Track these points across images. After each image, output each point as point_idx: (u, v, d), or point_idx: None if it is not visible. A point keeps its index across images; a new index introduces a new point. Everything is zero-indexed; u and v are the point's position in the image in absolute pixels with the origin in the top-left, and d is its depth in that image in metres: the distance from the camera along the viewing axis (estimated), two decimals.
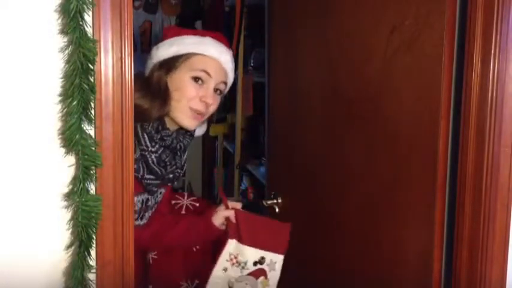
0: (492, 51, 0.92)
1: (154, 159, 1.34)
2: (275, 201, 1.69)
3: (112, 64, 0.94)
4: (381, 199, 1.21)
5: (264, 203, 1.72)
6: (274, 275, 1.42)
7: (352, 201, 1.32)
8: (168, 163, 1.38)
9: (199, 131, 1.53)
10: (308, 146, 1.53)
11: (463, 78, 0.97)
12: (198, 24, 3.92)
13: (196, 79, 1.36)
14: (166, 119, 1.39)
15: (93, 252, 0.96)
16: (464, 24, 0.96)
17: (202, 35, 1.43)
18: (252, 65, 2.67)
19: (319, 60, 1.45)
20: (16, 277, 0.94)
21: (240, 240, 1.37)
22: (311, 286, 1.54)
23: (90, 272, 0.95)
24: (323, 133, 1.44)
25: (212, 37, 1.42)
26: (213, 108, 1.40)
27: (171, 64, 1.37)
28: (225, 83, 1.43)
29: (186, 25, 3.88)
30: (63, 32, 0.90)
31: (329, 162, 1.42)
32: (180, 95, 1.35)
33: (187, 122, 1.37)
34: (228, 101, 2.99)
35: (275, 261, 1.41)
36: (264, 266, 1.40)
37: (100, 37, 0.92)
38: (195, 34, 1.42)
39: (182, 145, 1.44)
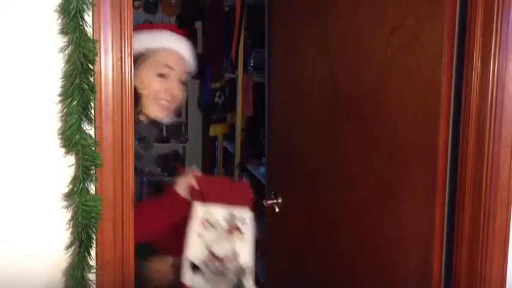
0: (492, 51, 0.92)
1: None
2: (275, 201, 1.69)
3: (112, 64, 0.94)
4: (381, 199, 1.20)
5: (264, 203, 1.72)
6: (247, 229, 1.44)
7: (352, 200, 1.32)
8: (143, 156, 1.43)
9: (168, 119, 1.57)
10: (308, 146, 1.53)
11: (463, 78, 0.97)
12: (198, 24, 3.92)
13: (160, 75, 1.42)
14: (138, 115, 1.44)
15: (93, 252, 0.96)
16: (464, 24, 0.96)
17: (159, 28, 1.49)
18: (252, 65, 2.67)
19: (319, 60, 1.45)
20: (16, 277, 0.94)
21: (205, 199, 1.40)
22: (311, 285, 1.54)
23: (90, 272, 0.95)
24: (323, 133, 1.44)
25: (169, 29, 1.48)
26: (179, 97, 1.45)
27: (134, 62, 1.40)
28: (188, 73, 1.49)
29: (186, 25, 3.88)
30: (63, 32, 0.90)
31: (329, 162, 1.42)
32: (148, 91, 1.40)
33: (159, 114, 1.43)
34: (228, 101, 2.99)
35: (245, 216, 1.44)
36: (236, 222, 1.43)
37: (100, 37, 0.92)
38: (150, 28, 1.49)
39: (152, 137, 1.49)
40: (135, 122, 1.38)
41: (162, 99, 1.41)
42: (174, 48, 1.44)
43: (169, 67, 1.42)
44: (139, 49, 1.40)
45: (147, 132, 1.46)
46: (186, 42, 1.49)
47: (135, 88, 1.37)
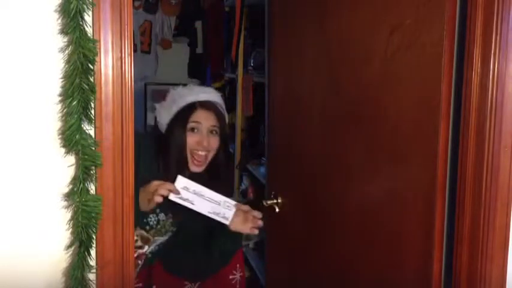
0: (492, 51, 0.92)
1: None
2: (275, 201, 1.69)
3: (112, 64, 0.94)
4: (381, 199, 1.20)
5: (264, 203, 1.72)
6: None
7: (352, 200, 1.32)
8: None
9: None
10: (308, 146, 1.53)
11: (463, 78, 0.97)
12: (198, 24, 3.92)
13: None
14: None
15: (93, 252, 0.96)
16: (464, 24, 0.96)
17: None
18: (252, 65, 2.67)
19: (319, 60, 1.45)
20: (16, 277, 0.94)
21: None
22: (311, 285, 1.54)
23: (90, 272, 0.95)
24: (323, 133, 1.44)
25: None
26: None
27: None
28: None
29: (186, 25, 3.88)
30: (63, 32, 0.90)
31: (329, 162, 1.41)
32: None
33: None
34: (228, 101, 2.98)
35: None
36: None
37: (100, 37, 0.92)
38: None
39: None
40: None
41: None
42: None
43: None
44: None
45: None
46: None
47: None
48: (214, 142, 1.58)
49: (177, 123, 1.56)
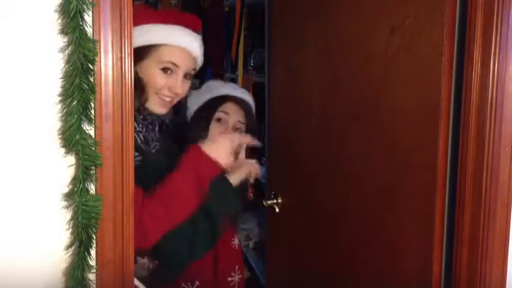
0: (492, 51, 0.92)
1: (142, 138, 1.40)
2: (275, 201, 1.69)
3: (112, 64, 0.94)
4: (381, 199, 1.20)
5: (264, 203, 1.72)
6: None
7: (351, 200, 1.32)
8: (150, 139, 1.43)
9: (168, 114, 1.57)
10: (308, 146, 1.53)
11: (463, 78, 0.97)
12: None
13: (164, 70, 1.39)
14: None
15: (93, 252, 0.96)
16: (464, 24, 0.96)
17: (171, 22, 1.43)
18: (252, 65, 2.66)
19: (319, 60, 1.45)
20: (16, 277, 0.94)
21: None
22: (311, 285, 1.54)
23: (90, 272, 0.95)
24: (323, 133, 1.44)
25: (181, 23, 1.44)
26: (182, 94, 1.45)
27: (139, 54, 1.38)
28: (194, 69, 1.47)
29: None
30: (63, 32, 0.90)
31: (329, 162, 1.41)
32: (149, 85, 1.38)
33: (158, 109, 1.41)
34: None
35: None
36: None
37: (100, 37, 0.92)
38: (163, 21, 1.43)
39: (156, 122, 1.48)
40: (140, 112, 1.39)
41: (164, 95, 1.40)
42: (182, 45, 1.41)
43: (175, 64, 1.39)
44: (148, 43, 1.38)
45: (154, 118, 1.46)
46: (196, 38, 1.46)
47: (140, 80, 1.37)
48: None
49: (204, 111, 1.55)
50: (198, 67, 1.50)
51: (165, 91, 1.39)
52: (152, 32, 1.39)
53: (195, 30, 1.48)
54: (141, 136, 1.39)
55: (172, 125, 1.55)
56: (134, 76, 1.35)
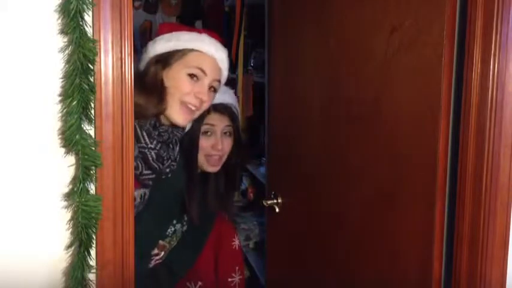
0: (492, 51, 0.92)
1: (154, 156, 1.36)
2: (275, 201, 1.69)
3: (112, 64, 0.94)
4: (381, 198, 1.20)
5: (264, 203, 1.72)
6: None
7: (351, 200, 1.32)
8: (165, 158, 1.39)
9: (189, 125, 1.55)
10: (308, 146, 1.53)
11: (463, 78, 0.97)
12: (198, 24, 3.92)
13: (191, 76, 1.37)
14: (161, 115, 1.40)
15: (93, 252, 0.96)
16: (464, 24, 0.96)
17: (199, 32, 1.45)
18: (252, 65, 2.66)
19: (319, 61, 1.45)
20: (16, 277, 0.94)
21: None
22: (311, 285, 1.54)
23: (90, 272, 0.95)
24: (323, 133, 1.44)
25: (208, 35, 1.45)
26: (206, 105, 1.42)
27: (167, 59, 1.38)
28: (219, 81, 1.46)
29: (186, 25, 3.88)
30: (63, 32, 0.90)
31: (329, 162, 1.41)
32: (175, 90, 1.36)
33: (180, 119, 1.38)
34: None
35: None
36: None
37: (100, 37, 0.92)
38: (190, 31, 1.45)
39: (176, 139, 1.46)
40: (158, 124, 1.37)
41: (189, 102, 1.37)
42: (210, 52, 1.41)
43: (202, 70, 1.38)
44: (177, 48, 1.38)
45: (171, 135, 1.42)
46: (223, 50, 1.46)
47: (162, 88, 1.35)
48: (228, 144, 1.58)
49: (190, 128, 1.53)
50: (222, 80, 1.48)
51: (191, 98, 1.37)
52: (182, 38, 1.40)
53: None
54: (152, 154, 1.35)
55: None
56: (156, 83, 1.36)
